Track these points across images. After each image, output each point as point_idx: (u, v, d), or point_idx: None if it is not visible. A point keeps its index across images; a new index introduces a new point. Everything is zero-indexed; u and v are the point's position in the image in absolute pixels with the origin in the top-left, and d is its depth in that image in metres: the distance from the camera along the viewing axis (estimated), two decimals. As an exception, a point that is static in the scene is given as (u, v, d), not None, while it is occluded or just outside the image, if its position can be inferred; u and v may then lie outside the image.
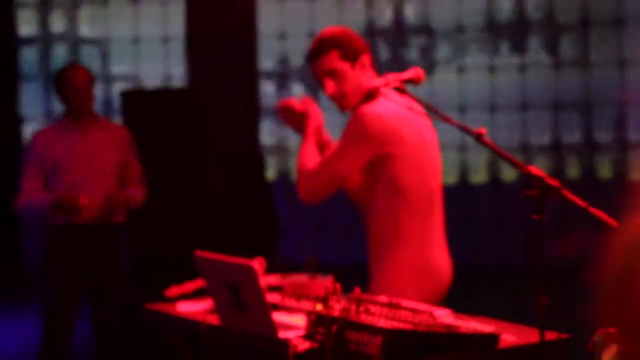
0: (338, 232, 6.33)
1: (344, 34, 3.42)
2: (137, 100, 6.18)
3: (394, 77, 3.21)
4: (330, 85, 3.38)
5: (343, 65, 3.37)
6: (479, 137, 2.91)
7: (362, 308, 2.82)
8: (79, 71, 5.18)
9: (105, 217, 5.04)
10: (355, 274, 3.45)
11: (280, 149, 7.55)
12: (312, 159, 3.37)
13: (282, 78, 7.19)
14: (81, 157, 5.06)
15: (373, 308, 2.85)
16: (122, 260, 5.21)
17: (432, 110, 3.13)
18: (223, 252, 3.08)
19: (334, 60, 3.37)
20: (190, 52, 6.37)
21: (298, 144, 3.50)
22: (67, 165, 5.03)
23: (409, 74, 3.24)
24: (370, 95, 3.34)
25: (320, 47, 3.39)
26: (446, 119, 3.18)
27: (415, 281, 3.30)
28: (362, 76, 3.38)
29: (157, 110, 5.99)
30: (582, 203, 2.69)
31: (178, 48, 7.18)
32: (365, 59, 3.40)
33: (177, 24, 7.09)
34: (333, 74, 3.37)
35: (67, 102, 5.12)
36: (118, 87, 7.93)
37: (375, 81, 3.24)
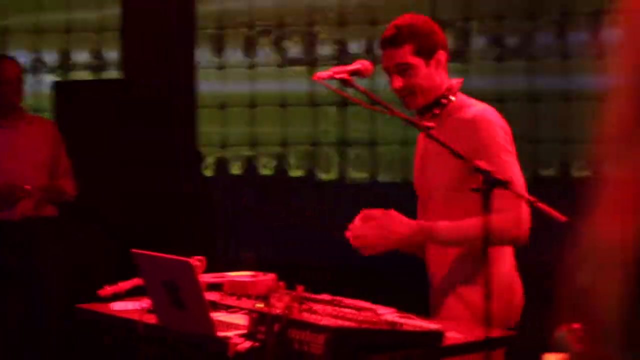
0: (280, 230, 6.24)
1: (423, 26, 3.18)
2: (69, 92, 6.01)
3: (340, 69, 3.09)
4: (397, 79, 3.15)
5: (416, 61, 3.14)
6: (427, 131, 2.86)
7: (305, 306, 2.75)
8: (8, 64, 5.04)
9: (40, 209, 4.92)
10: (295, 273, 3.36)
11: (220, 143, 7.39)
12: (475, 221, 2.90)
13: (220, 69, 7.04)
14: (11, 154, 4.93)
15: (316, 306, 2.78)
16: (55, 253, 5.09)
17: (380, 104, 3.05)
18: (160, 250, 2.99)
19: (407, 55, 3.14)
20: (126, 41, 6.22)
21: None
22: None
23: (355, 65, 3.11)
24: (446, 96, 3.16)
25: (395, 38, 3.15)
26: (395, 113, 3.12)
27: (510, 295, 3.13)
28: (436, 75, 3.17)
29: (91, 102, 5.84)
30: (530, 197, 2.65)
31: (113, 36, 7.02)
32: (442, 55, 3.18)
33: (111, 10, 6.92)
34: (404, 68, 3.15)
35: None
36: (49, 78, 7.72)
37: (320, 73, 3.11)
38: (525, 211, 2.99)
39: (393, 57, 3.15)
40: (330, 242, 5.88)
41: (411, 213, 3.19)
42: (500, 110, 3.17)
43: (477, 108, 3.11)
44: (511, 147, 3.07)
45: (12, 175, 4.90)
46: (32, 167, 4.97)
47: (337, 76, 3.09)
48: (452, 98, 3.16)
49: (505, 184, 2.69)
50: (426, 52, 3.15)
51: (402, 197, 3.45)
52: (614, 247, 1.34)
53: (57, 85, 6.21)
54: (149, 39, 6.07)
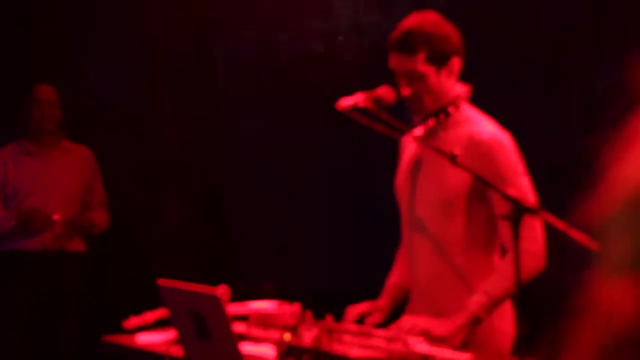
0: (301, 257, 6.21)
1: (437, 30, 3.00)
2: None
3: (362, 97, 3.01)
4: (406, 86, 3.02)
5: (427, 69, 2.99)
6: (453, 159, 2.82)
7: (334, 337, 2.72)
8: (43, 88, 5.02)
9: (64, 243, 4.85)
10: (318, 300, 3.32)
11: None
12: (504, 271, 2.90)
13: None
14: (42, 182, 4.88)
15: (345, 337, 2.74)
16: (81, 292, 5.01)
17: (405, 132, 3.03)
18: (182, 278, 2.96)
19: (419, 63, 2.98)
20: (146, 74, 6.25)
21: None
22: (26, 190, 4.85)
23: (377, 92, 3.01)
24: (454, 103, 3.06)
25: (407, 43, 2.97)
26: (420, 141, 3.10)
27: None
28: (447, 82, 3.04)
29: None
30: (561, 225, 2.60)
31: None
32: (455, 62, 3.03)
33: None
34: (413, 76, 3.01)
35: (29, 121, 4.95)
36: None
37: (342, 102, 3.06)
38: (543, 239, 2.95)
39: (403, 63, 3.01)
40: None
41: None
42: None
43: (490, 129, 3.04)
44: (523, 168, 3.02)
45: (39, 205, 4.84)
46: (61, 197, 4.89)
47: (360, 105, 3.03)
48: (458, 107, 3.07)
49: (534, 211, 2.65)
50: (438, 59, 3.00)
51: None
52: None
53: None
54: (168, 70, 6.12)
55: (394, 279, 3.30)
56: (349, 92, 3.10)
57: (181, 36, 6.24)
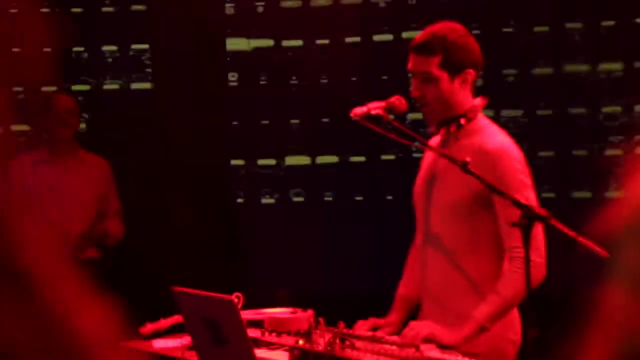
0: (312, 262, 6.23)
1: (458, 40, 3.10)
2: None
3: (375, 105, 3.07)
4: (417, 87, 3.11)
5: (440, 74, 3.09)
6: (464, 166, 2.86)
7: (347, 343, 2.75)
8: (60, 97, 5.03)
9: (79, 252, 4.86)
10: (331, 307, 3.36)
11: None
12: (509, 280, 2.98)
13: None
14: (57, 192, 4.88)
15: (358, 343, 2.78)
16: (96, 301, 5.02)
17: (416, 139, 3.07)
18: (193, 284, 2.99)
19: (433, 66, 3.08)
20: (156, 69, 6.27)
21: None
22: (41, 199, 4.85)
23: (390, 100, 3.09)
24: (467, 116, 3.11)
25: (425, 46, 3.09)
26: (431, 147, 3.14)
27: None
28: (460, 92, 3.11)
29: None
30: (570, 232, 2.64)
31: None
32: (470, 74, 3.11)
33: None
34: (427, 78, 3.10)
35: (47, 130, 4.96)
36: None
37: (356, 110, 3.11)
38: (544, 248, 3.00)
39: (419, 64, 3.11)
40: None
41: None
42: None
43: (498, 140, 3.09)
44: (530, 181, 3.07)
45: (54, 215, 4.83)
46: (76, 207, 4.90)
47: (373, 112, 3.08)
48: (472, 119, 3.12)
49: (545, 219, 2.69)
50: (454, 67, 3.10)
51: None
52: None
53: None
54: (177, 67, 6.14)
55: (403, 290, 3.33)
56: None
57: (181, 36, 6.25)
